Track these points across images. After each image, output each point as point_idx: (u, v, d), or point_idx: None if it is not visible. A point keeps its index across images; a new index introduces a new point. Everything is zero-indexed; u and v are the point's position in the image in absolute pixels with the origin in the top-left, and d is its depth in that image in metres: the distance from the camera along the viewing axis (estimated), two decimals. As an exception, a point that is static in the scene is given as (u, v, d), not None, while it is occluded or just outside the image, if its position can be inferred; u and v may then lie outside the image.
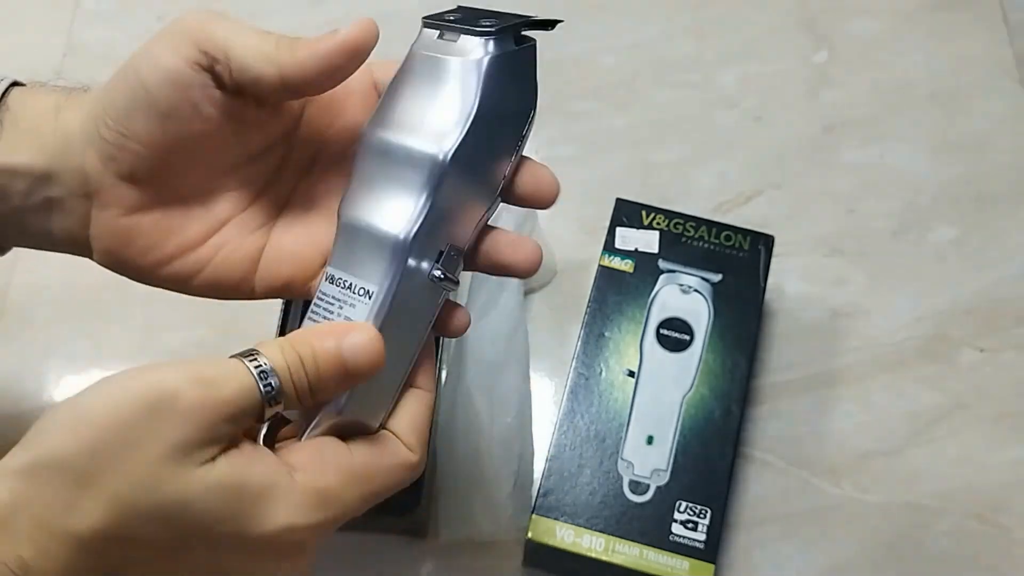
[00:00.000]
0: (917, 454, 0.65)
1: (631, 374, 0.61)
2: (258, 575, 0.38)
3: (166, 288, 0.45)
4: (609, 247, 0.64)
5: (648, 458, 0.59)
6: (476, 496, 0.61)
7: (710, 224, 0.65)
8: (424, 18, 0.42)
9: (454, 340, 0.64)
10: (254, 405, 0.37)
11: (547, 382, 0.67)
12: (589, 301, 0.63)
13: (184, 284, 0.44)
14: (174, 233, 0.44)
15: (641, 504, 0.58)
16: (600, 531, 0.57)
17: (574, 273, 0.69)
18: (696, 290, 0.63)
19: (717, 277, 0.63)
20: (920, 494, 0.64)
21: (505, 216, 0.65)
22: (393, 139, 0.41)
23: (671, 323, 0.62)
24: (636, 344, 0.62)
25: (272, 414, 0.38)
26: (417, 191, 0.40)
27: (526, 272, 0.44)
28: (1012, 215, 0.73)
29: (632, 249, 0.64)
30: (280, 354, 0.38)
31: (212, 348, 0.68)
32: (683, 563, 0.57)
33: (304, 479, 0.38)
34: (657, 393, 0.61)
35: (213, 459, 0.36)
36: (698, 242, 0.64)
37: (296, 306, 0.60)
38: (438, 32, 0.41)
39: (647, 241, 0.64)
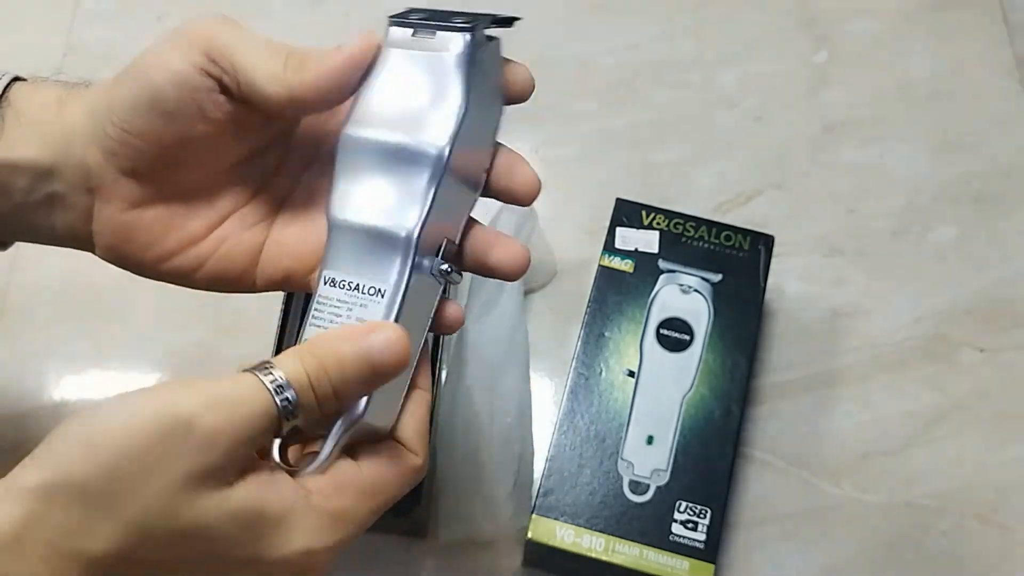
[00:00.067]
0: (917, 454, 0.65)
1: (631, 374, 0.61)
2: None
3: (168, 282, 0.45)
4: (609, 247, 0.64)
5: (648, 458, 0.59)
6: (476, 496, 0.61)
7: (710, 224, 0.65)
8: (390, 17, 0.42)
9: (454, 340, 0.64)
10: (271, 423, 0.36)
11: (547, 382, 0.67)
12: (589, 301, 0.63)
13: (186, 278, 0.45)
14: (176, 228, 0.44)
15: (641, 504, 0.58)
16: (600, 531, 0.57)
17: (574, 273, 0.69)
18: (696, 290, 0.63)
19: (717, 277, 0.63)
20: (920, 494, 0.64)
21: (505, 217, 0.65)
22: (385, 137, 0.40)
23: (671, 323, 0.62)
24: (636, 344, 0.62)
25: (290, 428, 0.37)
26: (420, 186, 0.40)
27: (512, 275, 0.44)
28: (1012, 215, 0.73)
29: (632, 249, 0.64)
30: (298, 364, 0.37)
31: (212, 348, 0.68)
32: (683, 563, 0.57)
33: (319, 502, 0.38)
34: (657, 393, 0.61)
35: (231, 484, 0.36)
36: (698, 242, 0.64)
37: (296, 303, 0.60)
38: (411, 30, 0.41)
39: (647, 241, 0.64)
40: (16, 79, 0.44)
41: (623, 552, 0.57)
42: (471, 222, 0.44)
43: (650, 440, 0.59)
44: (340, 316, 0.40)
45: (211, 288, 0.45)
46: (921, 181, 0.74)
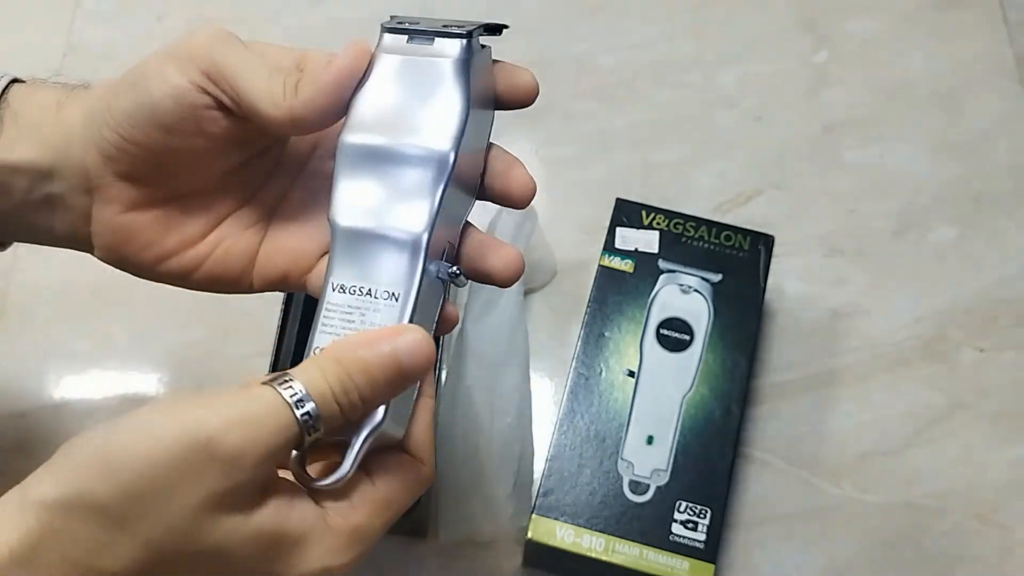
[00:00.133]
0: (917, 454, 0.65)
1: (631, 374, 0.61)
2: None
3: (167, 283, 0.45)
4: (609, 247, 0.64)
5: (648, 458, 0.59)
6: (476, 496, 0.61)
7: (710, 224, 0.65)
8: (383, 24, 0.42)
9: (454, 340, 0.64)
10: (293, 438, 0.36)
11: (547, 382, 0.67)
12: (589, 301, 0.63)
13: (184, 279, 0.45)
14: (174, 229, 0.44)
15: (641, 504, 0.58)
16: (600, 531, 0.57)
17: (574, 273, 0.69)
18: (696, 290, 0.63)
19: (717, 277, 0.63)
20: (920, 494, 0.64)
21: (505, 217, 0.65)
22: (388, 142, 0.41)
23: (671, 323, 0.62)
24: (636, 344, 0.62)
25: (311, 442, 0.37)
26: (427, 189, 0.40)
27: (506, 281, 0.43)
28: (1012, 215, 0.73)
29: (632, 249, 0.64)
30: (319, 375, 0.36)
31: (212, 348, 0.68)
32: (683, 563, 0.57)
33: (336, 520, 0.38)
34: (657, 393, 0.61)
35: (251, 505, 0.36)
36: (698, 242, 0.64)
37: (296, 303, 0.60)
38: (406, 37, 0.42)
39: (647, 241, 0.64)
40: (15, 81, 0.44)
41: (623, 552, 0.57)
42: (467, 227, 0.44)
43: (650, 440, 0.59)
44: (353, 322, 0.40)
45: (209, 289, 0.45)
46: (921, 181, 0.74)
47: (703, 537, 0.57)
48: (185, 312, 0.68)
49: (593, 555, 0.57)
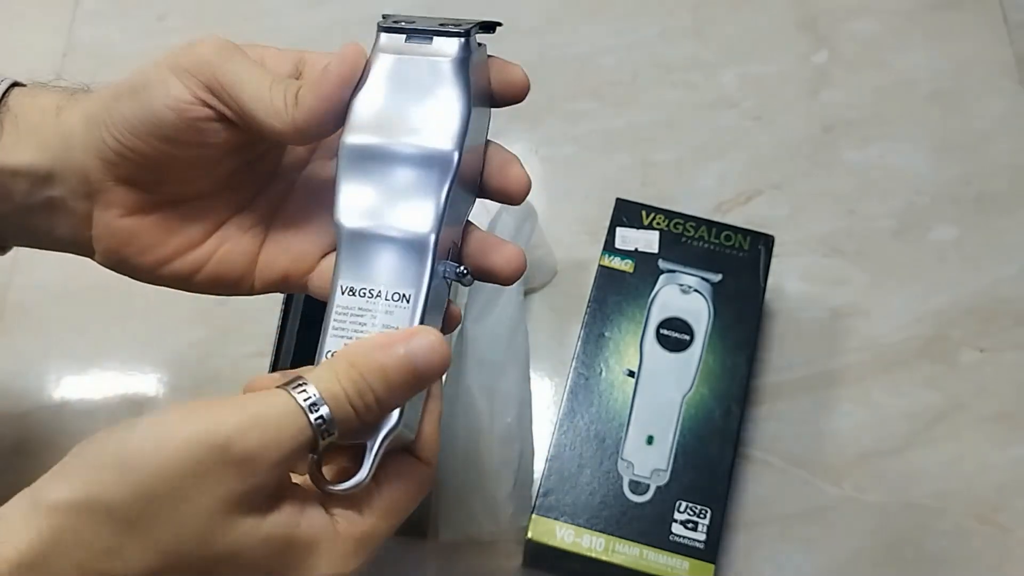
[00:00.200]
0: (917, 454, 0.65)
1: (631, 374, 0.61)
2: None
3: (167, 286, 0.45)
4: (609, 247, 0.64)
5: (648, 458, 0.59)
6: (476, 496, 0.61)
7: (710, 224, 0.65)
8: (379, 24, 0.42)
9: (454, 340, 0.64)
10: (307, 442, 0.36)
11: (547, 382, 0.67)
12: (589, 301, 0.63)
13: (185, 282, 0.45)
14: (174, 233, 0.44)
15: (641, 504, 0.58)
16: (600, 531, 0.57)
17: (574, 273, 0.69)
18: (696, 290, 0.63)
19: (717, 277, 0.63)
20: (920, 494, 0.64)
21: (505, 217, 0.65)
22: (391, 142, 0.40)
23: (671, 323, 0.62)
24: (636, 344, 0.62)
25: (326, 445, 0.37)
26: (433, 189, 0.40)
27: (509, 279, 0.43)
28: (1012, 215, 0.73)
29: (632, 249, 0.64)
30: (334, 379, 0.36)
31: (212, 348, 0.68)
32: (683, 563, 0.57)
33: (345, 527, 0.38)
34: (657, 393, 0.61)
35: (264, 509, 0.36)
36: (698, 242, 0.64)
37: (296, 304, 0.60)
38: (403, 36, 0.42)
39: (647, 241, 0.64)
40: (15, 84, 0.44)
41: (623, 552, 0.57)
42: (468, 226, 0.44)
43: (650, 440, 0.59)
44: (365, 324, 0.40)
45: (210, 291, 0.45)
46: (921, 181, 0.74)
47: (703, 537, 0.57)
48: (185, 313, 0.68)
49: (593, 555, 0.57)
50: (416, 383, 0.37)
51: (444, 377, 0.63)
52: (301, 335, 0.59)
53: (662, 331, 0.62)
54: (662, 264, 0.64)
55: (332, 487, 0.38)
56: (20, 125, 0.42)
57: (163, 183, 0.43)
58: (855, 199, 0.73)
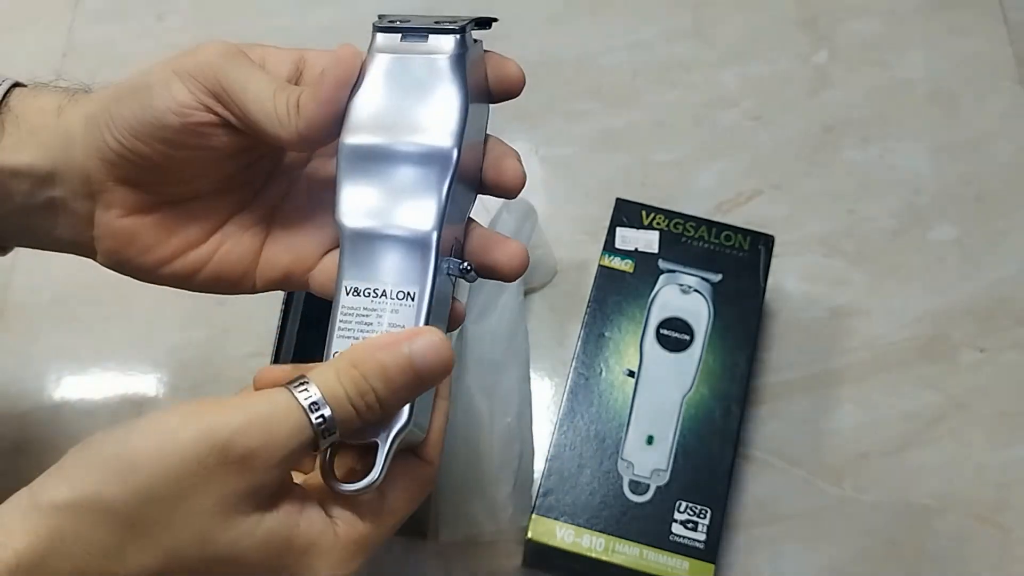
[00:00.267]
0: (917, 454, 0.65)
1: (631, 374, 0.61)
2: None
3: (169, 286, 0.45)
4: (609, 247, 0.64)
5: (648, 458, 0.59)
6: (476, 496, 0.61)
7: (710, 224, 0.65)
8: (375, 24, 0.42)
9: (454, 340, 0.64)
10: (308, 442, 0.36)
11: (547, 382, 0.67)
12: (589, 301, 0.63)
13: (186, 281, 0.45)
14: (176, 233, 0.44)
15: (641, 504, 0.58)
16: (600, 531, 0.57)
17: (574, 273, 0.69)
18: (696, 290, 0.63)
19: (717, 277, 0.63)
20: (920, 494, 0.64)
21: (505, 216, 0.65)
22: (391, 142, 0.41)
23: (671, 323, 0.62)
24: (636, 344, 0.62)
25: (327, 445, 0.37)
26: (433, 187, 0.40)
27: (511, 276, 0.43)
28: (1012, 215, 0.73)
29: (632, 249, 0.64)
30: (335, 379, 0.36)
31: (212, 348, 0.68)
32: (683, 563, 0.57)
33: (344, 529, 0.38)
34: (657, 393, 0.61)
35: (264, 508, 0.36)
36: (698, 242, 0.64)
37: (296, 303, 0.60)
38: (399, 35, 0.42)
39: (647, 241, 0.64)
40: (16, 84, 0.44)
41: (623, 552, 0.57)
42: (470, 223, 0.44)
43: (650, 440, 0.59)
44: (370, 324, 0.40)
45: (211, 290, 0.45)
46: (921, 181, 0.74)
47: (703, 537, 0.57)
48: (185, 312, 0.68)
49: (593, 555, 0.57)
50: (418, 384, 0.37)
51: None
52: (301, 335, 0.59)
53: (662, 331, 0.62)
54: (662, 264, 0.64)
55: (344, 487, 0.38)
56: (21, 126, 0.42)
57: (164, 184, 0.43)
58: (855, 199, 0.73)
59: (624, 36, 0.79)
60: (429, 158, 0.40)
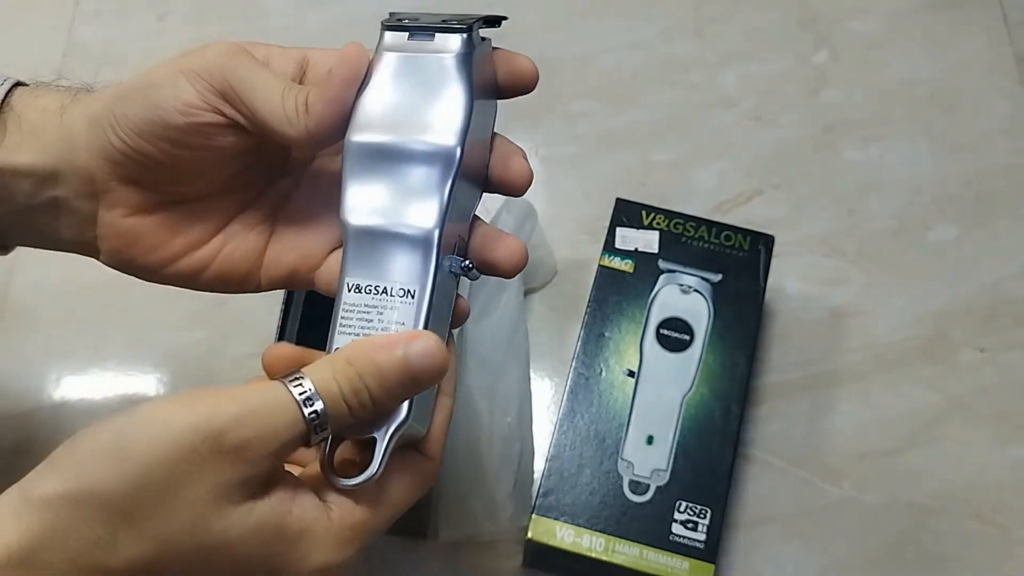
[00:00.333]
0: (917, 454, 0.65)
1: (631, 374, 0.61)
2: None
3: (173, 285, 0.45)
4: (609, 247, 0.64)
5: (648, 458, 0.59)
6: (476, 496, 0.61)
7: (710, 224, 0.65)
8: (383, 22, 0.43)
9: (454, 340, 0.64)
10: (300, 435, 0.36)
11: (547, 382, 0.67)
12: (589, 301, 0.63)
13: (191, 281, 0.45)
14: (180, 233, 0.44)
15: (641, 504, 0.58)
16: (600, 531, 0.57)
17: (574, 273, 0.69)
18: (696, 290, 0.63)
19: (717, 277, 0.63)
20: (920, 494, 0.64)
21: (505, 216, 0.65)
22: (396, 140, 0.41)
23: (671, 323, 0.62)
24: (636, 344, 0.62)
25: (319, 440, 0.37)
26: (436, 185, 0.40)
27: (511, 272, 0.44)
28: (1012, 215, 0.73)
29: (632, 249, 0.64)
30: (330, 375, 0.37)
31: (212, 348, 0.68)
32: (683, 563, 0.57)
33: (339, 516, 0.38)
34: (657, 393, 0.61)
35: (255, 496, 0.36)
36: (698, 242, 0.64)
37: (296, 303, 0.60)
38: (407, 34, 0.42)
39: (647, 241, 0.64)
40: (18, 84, 0.44)
41: (623, 552, 0.57)
42: (473, 220, 0.44)
43: (650, 440, 0.60)
44: (371, 321, 0.40)
45: (216, 289, 0.45)
46: (921, 181, 0.74)
47: (703, 537, 0.57)
48: (185, 312, 0.68)
49: (593, 555, 0.57)
50: (412, 386, 0.38)
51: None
52: (301, 335, 0.59)
53: (662, 331, 0.62)
54: (662, 264, 0.64)
55: (342, 482, 0.38)
56: (23, 125, 0.42)
57: (168, 183, 0.43)
58: (855, 199, 0.73)
59: (624, 36, 0.79)
60: (432, 156, 0.40)
